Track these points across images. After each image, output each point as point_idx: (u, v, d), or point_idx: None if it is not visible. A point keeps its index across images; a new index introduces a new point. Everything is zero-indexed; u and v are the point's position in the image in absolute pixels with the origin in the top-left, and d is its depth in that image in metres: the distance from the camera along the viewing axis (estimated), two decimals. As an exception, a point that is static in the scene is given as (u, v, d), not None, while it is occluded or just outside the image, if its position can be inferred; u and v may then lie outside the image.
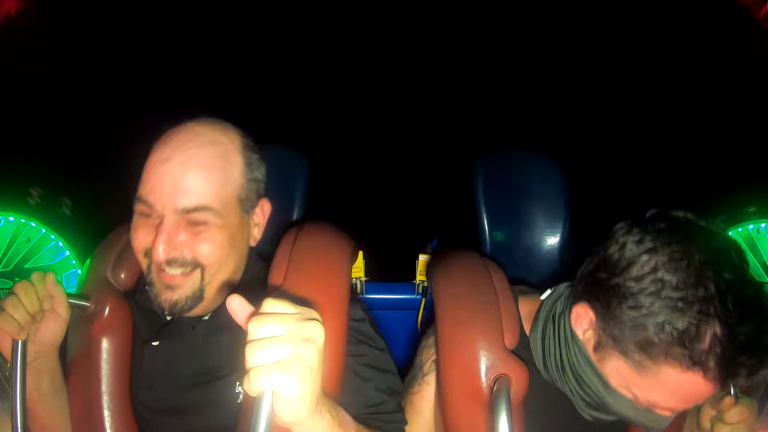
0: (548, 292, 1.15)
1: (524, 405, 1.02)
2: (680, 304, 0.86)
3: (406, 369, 1.23)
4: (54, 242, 2.21)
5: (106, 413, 1.11)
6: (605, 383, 0.99)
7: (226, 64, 3.66)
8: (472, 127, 3.55)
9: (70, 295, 1.10)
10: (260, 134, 1.19)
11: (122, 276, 1.19)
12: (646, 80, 3.53)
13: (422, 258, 1.65)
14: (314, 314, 0.71)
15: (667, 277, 0.87)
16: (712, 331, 0.84)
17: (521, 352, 1.05)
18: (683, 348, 0.86)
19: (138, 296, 1.19)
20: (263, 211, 1.17)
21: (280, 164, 1.22)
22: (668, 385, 0.90)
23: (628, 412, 0.99)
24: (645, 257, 0.90)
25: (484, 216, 1.94)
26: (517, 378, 0.99)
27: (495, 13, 3.83)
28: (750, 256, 2.24)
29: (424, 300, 1.68)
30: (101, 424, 1.11)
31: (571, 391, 1.05)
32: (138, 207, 1.05)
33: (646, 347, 0.89)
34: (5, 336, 1.03)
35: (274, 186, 1.22)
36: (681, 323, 0.85)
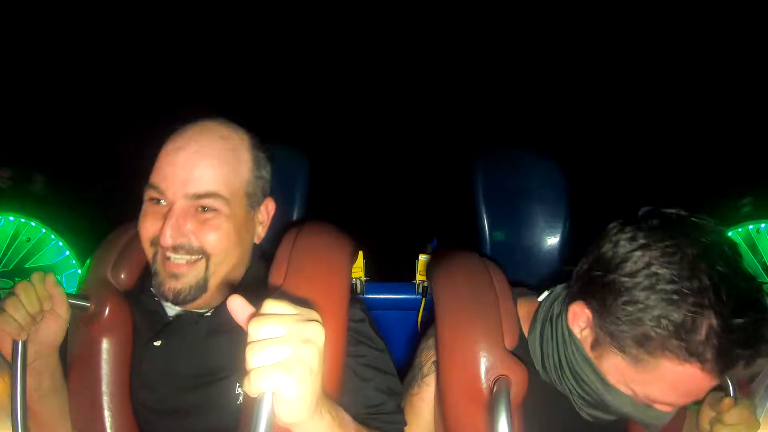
0: (546, 293, 1.15)
1: (524, 406, 1.02)
2: (675, 297, 0.86)
3: (405, 369, 1.23)
4: (54, 242, 2.22)
5: (107, 413, 1.11)
6: (603, 380, 0.99)
7: (226, 65, 3.66)
8: (472, 127, 3.55)
9: (70, 296, 1.10)
10: (260, 134, 1.20)
11: (122, 276, 1.19)
12: (646, 81, 3.53)
13: (422, 258, 1.66)
14: (314, 315, 0.71)
15: (661, 271, 0.88)
16: (707, 322, 0.85)
17: (520, 353, 1.05)
18: (680, 340, 0.86)
19: (139, 296, 1.19)
20: (268, 209, 1.20)
21: (280, 164, 1.22)
22: (666, 379, 0.91)
23: (627, 408, 0.99)
24: (638, 253, 0.91)
25: (484, 216, 1.94)
26: (517, 379, 0.99)
27: (495, 14, 3.83)
28: (750, 256, 2.24)
29: (424, 300, 1.68)
30: (101, 425, 1.11)
31: (570, 391, 1.05)
32: (149, 193, 1.08)
33: (642, 342, 0.90)
34: (6, 337, 1.03)
35: (274, 186, 1.22)
36: (676, 316, 0.86)
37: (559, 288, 1.13)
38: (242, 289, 1.14)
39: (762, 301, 0.87)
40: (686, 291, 0.86)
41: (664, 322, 0.87)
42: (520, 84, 3.69)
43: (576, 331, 1.02)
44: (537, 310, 1.13)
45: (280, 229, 1.19)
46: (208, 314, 1.14)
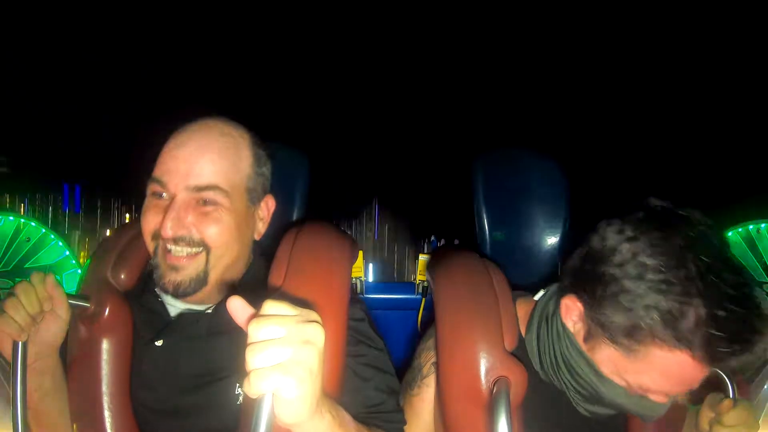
0: (541, 293, 1.16)
1: (523, 407, 1.03)
2: (663, 286, 0.87)
3: (405, 369, 1.23)
4: (54, 242, 2.22)
5: (107, 413, 1.11)
6: (597, 372, 1.00)
7: (227, 66, 3.65)
8: (471, 127, 3.55)
9: (70, 296, 1.10)
10: (260, 134, 1.21)
11: (122, 276, 1.19)
12: (647, 81, 3.52)
13: (422, 258, 1.66)
14: (314, 316, 0.71)
15: (649, 261, 0.89)
16: (695, 310, 0.86)
17: (519, 353, 1.05)
18: (668, 328, 0.87)
19: (141, 296, 1.19)
20: (268, 206, 1.21)
21: (280, 164, 1.23)
22: (657, 368, 0.92)
23: (621, 400, 1.00)
24: (626, 245, 0.92)
25: (484, 216, 1.94)
26: (517, 380, 1.00)
27: (495, 14, 3.83)
28: (750, 256, 2.25)
29: (424, 300, 1.68)
30: (101, 425, 1.11)
31: (566, 386, 1.06)
32: (151, 187, 1.09)
33: (633, 331, 0.91)
34: (6, 337, 1.03)
35: (275, 186, 1.23)
36: (665, 304, 0.87)
37: (554, 287, 1.14)
38: (242, 288, 1.14)
39: (749, 292, 0.88)
40: (674, 280, 0.87)
41: (652, 311, 0.88)
42: (519, 84, 3.69)
43: (569, 324, 1.03)
44: (533, 309, 1.14)
45: (280, 229, 1.19)
46: (209, 311, 1.15)
